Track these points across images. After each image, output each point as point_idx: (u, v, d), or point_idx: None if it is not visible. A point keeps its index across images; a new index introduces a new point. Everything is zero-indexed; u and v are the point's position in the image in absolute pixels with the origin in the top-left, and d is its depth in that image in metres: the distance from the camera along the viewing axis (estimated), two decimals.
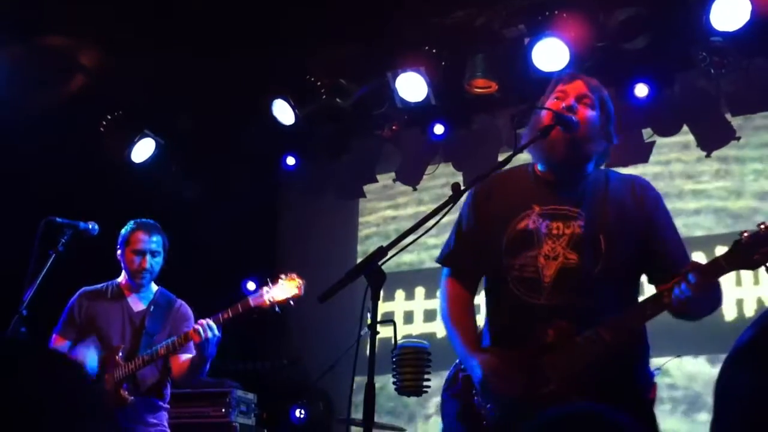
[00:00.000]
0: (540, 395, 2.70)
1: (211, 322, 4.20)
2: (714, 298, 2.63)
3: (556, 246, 2.82)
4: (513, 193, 2.99)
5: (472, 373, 2.86)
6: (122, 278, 4.56)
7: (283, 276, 4.36)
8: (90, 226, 4.36)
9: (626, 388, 2.71)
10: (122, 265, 4.52)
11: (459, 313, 3.06)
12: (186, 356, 4.41)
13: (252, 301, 4.31)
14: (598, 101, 2.93)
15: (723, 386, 1.07)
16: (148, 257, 4.45)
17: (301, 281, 4.33)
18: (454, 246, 3.09)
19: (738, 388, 1.01)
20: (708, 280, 2.42)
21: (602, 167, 3.04)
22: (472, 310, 3.10)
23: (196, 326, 4.19)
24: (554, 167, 2.92)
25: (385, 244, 2.59)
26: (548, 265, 2.80)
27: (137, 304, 4.52)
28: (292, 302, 4.33)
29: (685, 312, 2.61)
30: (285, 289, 4.33)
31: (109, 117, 6.69)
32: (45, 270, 4.09)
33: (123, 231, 4.53)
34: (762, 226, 2.29)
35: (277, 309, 4.33)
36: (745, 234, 2.33)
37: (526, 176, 3.01)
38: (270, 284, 4.34)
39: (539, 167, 2.99)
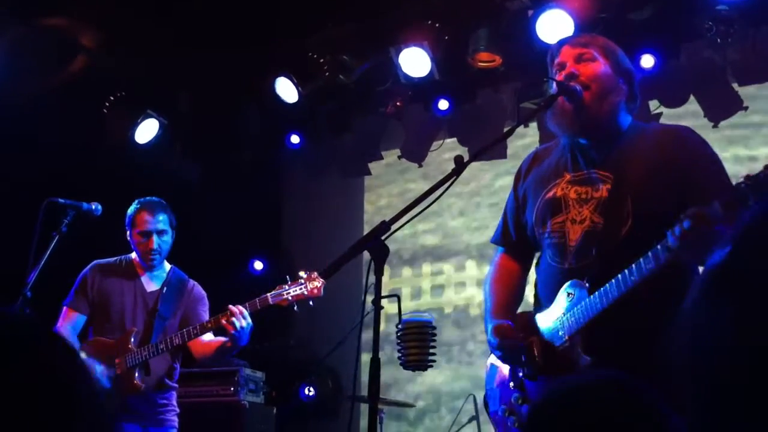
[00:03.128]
0: (555, 353, 2.74)
1: (244, 310, 4.17)
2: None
3: (583, 210, 2.79)
4: (548, 165, 3.02)
5: (488, 336, 2.91)
6: (135, 256, 4.54)
7: (302, 274, 4.31)
8: (93, 207, 4.34)
9: (651, 346, 2.55)
10: (133, 246, 4.51)
11: (495, 281, 3.13)
12: (209, 337, 4.39)
13: (271, 299, 4.26)
14: (597, 50, 2.86)
15: (696, 326, 0.87)
16: (154, 237, 4.41)
17: (321, 281, 4.27)
18: (501, 224, 3.18)
19: (718, 323, 0.82)
20: (705, 226, 2.30)
21: (647, 122, 2.96)
22: (512, 280, 3.13)
23: (231, 317, 4.13)
24: (575, 137, 2.89)
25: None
26: (574, 229, 2.78)
27: (150, 284, 4.50)
28: (311, 302, 4.28)
29: (693, 262, 2.51)
30: (305, 288, 4.27)
31: (111, 98, 6.66)
32: (48, 251, 4.09)
33: (129, 211, 4.50)
34: (765, 169, 2.20)
35: (296, 308, 4.29)
36: (746, 177, 2.24)
37: (562, 147, 3.00)
38: (290, 282, 4.30)
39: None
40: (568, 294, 2.72)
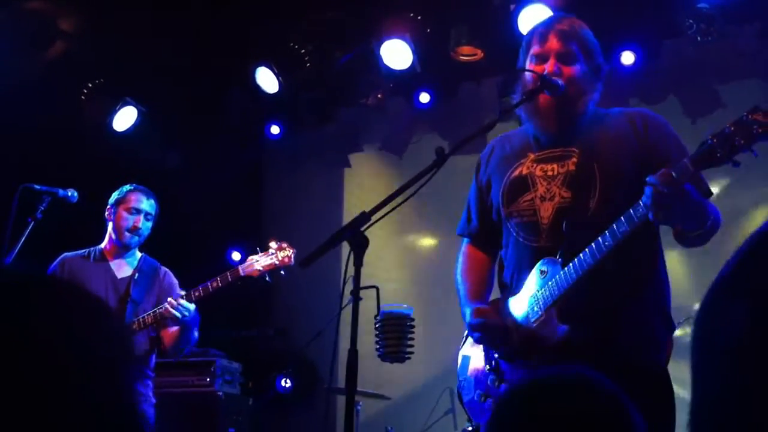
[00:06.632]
0: (531, 333, 2.75)
1: (182, 301, 4.20)
2: (696, 209, 2.55)
3: (551, 186, 2.81)
4: (510, 148, 3.04)
5: (465, 320, 2.93)
6: (105, 243, 4.51)
7: (273, 244, 4.32)
8: (69, 194, 4.32)
9: (621, 312, 2.69)
10: (111, 225, 4.47)
11: (468, 270, 3.13)
12: (175, 327, 4.40)
13: (242, 270, 4.28)
14: (579, 49, 2.85)
15: (712, 325, 0.89)
16: (142, 217, 4.43)
17: (291, 250, 4.30)
18: (465, 215, 3.18)
19: (733, 320, 0.84)
20: (676, 184, 2.39)
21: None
22: (482, 268, 3.13)
23: (168, 306, 4.20)
24: (549, 131, 2.91)
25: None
26: (544, 206, 2.80)
27: (120, 270, 4.48)
28: (282, 271, 4.31)
29: (668, 223, 2.57)
30: (275, 257, 4.29)
31: (90, 85, 6.59)
32: (23, 238, 4.06)
33: (116, 193, 4.50)
34: (729, 125, 2.29)
35: (267, 278, 4.30)
36: (712, 134, 2.33)
37: (524, 132, 3.03)
38: (260, 252, 4.30)
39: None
40: (542, 272, 2.74)
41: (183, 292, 4.29)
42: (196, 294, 4.27)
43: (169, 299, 4.23)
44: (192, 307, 4.24)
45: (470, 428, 5.03)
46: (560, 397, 1.41)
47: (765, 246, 0.89)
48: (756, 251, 0.89)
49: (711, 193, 2.69)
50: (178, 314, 4.18)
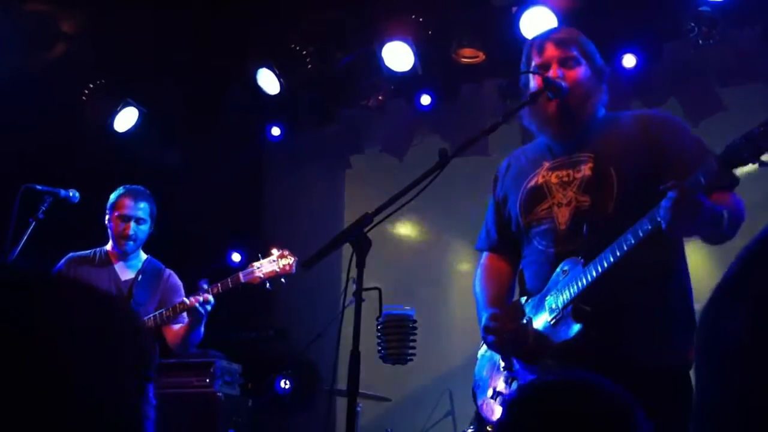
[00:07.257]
0: (548, 329, 2.76)
1: (210, 297, 4.19)
2: (709, 218, 2.48)
3: (567, 192, 2.82)
4: (525, 160, 3.07)
5: (481, 324, 2.94)
6: (110, 245, 4.52)
7: (275, 251, 4.32)
8: (71, 194, 4.33)
9: (636, 315, 2.68)
10: (109, 230, 4.48)
11: (486, 278, 3.14)
12: (179, 325, 4.40)
13: (243, 276, 4.28)
14: (578, 51, 2.88)
15: (714, 327, 0.91)
16: (132, 224, 4.42)
17: (293, 258, 4.30)
18: (484, 230, 3.20)
19: (735, 322, 0.86)
20: (713, 184, 2.38)
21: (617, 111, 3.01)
22: (503, 276, 3.13)
23: (197, 298, 4.19)
24: (555, 137, 2.93)
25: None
26: (562, 212, 2.81)
27: (125, 273, 4.48)
28: (283, 279, 4.31)
29: (680, 234, 2.54)
30: (277, 264, 4.29)
31: (91, 85, 6.59)
32: (25, 238, 4.07)
33: (112, 196, 4.50)
34: (759, 126, 2.27)
35: (268, 285, 4.30)
36: (743, 134, 2.30)
37: (539, 144, 3.06)
38: (261, 259, 4.30)
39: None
40: (563, 271, 2.75)
41: (206, 286, 4.28)
42: (215, 290, 4.27)
43: (204, 296, 4.21)
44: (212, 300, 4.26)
45: (470, 430, 5.03)
46: (564, 398, 1.44)
47: (766, 250, 0.89)
48: (758, 255, 0.89)
49: (737, 182, 2.65)
50: (201, 310, 4.20)
